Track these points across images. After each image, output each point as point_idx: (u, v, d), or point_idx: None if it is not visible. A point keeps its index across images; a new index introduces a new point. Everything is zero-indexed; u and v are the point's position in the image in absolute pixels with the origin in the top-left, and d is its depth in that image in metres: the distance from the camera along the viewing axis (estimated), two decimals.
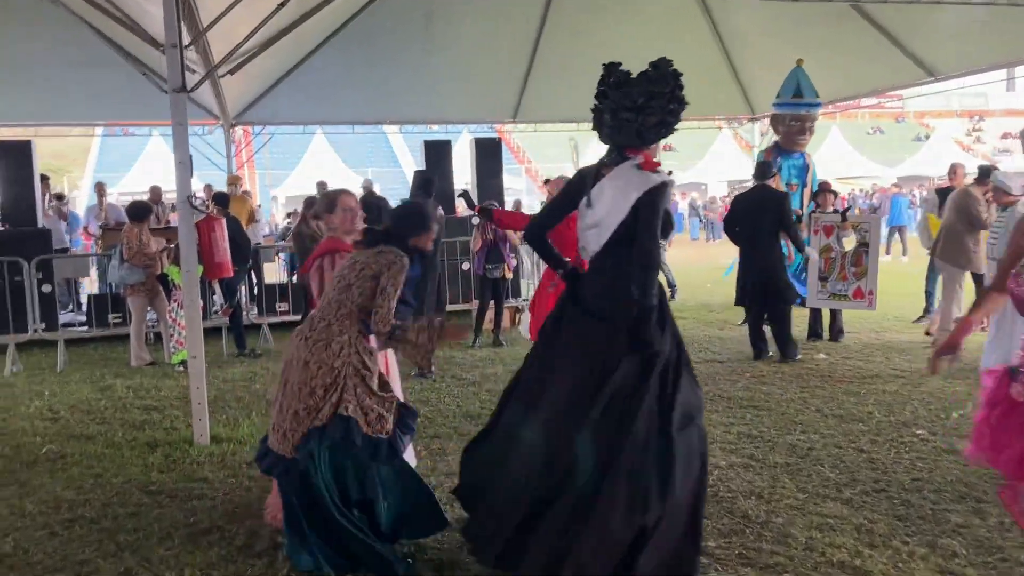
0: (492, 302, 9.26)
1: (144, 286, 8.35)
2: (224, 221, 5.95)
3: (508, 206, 13.93)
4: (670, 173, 3.56)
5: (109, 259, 8.49)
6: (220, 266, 6.07)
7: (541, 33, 12.92)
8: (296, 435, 3.49)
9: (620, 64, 3.45)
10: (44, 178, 10.51)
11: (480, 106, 14.63)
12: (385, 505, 3.53)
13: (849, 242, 8.04)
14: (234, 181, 12.39)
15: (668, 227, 3.50)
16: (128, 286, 8.34)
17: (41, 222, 9.84)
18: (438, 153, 11.57)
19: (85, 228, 12.05)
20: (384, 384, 3.60)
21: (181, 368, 8.16)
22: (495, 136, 12.49)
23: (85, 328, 9.66)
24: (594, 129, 3.55)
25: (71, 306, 11.00)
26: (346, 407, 3.43)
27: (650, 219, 3.29)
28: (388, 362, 4.13)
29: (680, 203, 31.93)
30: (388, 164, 40.14)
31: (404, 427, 3.56)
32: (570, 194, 3.62)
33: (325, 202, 4.22)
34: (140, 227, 8.39)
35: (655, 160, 3.46)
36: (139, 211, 8.49)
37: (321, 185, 13.35)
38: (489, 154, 11.83)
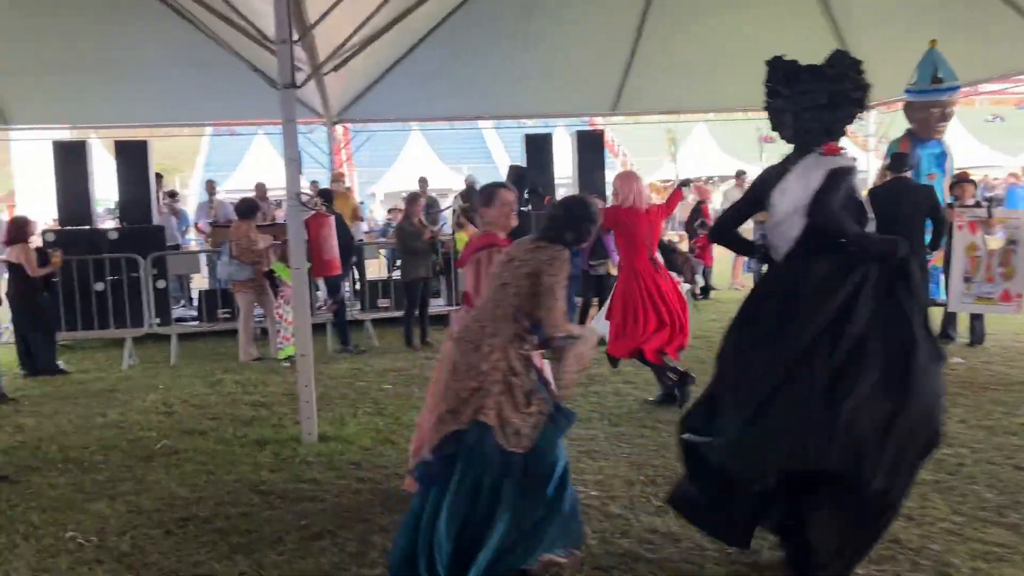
0: (596, 300, 9.00)
1: (252, 282, 8.45)
2: (333, 218, 5.88)
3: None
4: (854, 159, 3.37)
5: (219, 255, 8.64)
6: (329, 263, 5.98)
7: (644, 22, 12.54)
8: (435, 438, 3.33)
9: (784, 56, 3.29)
10: (158, 176, 10.84)
11: (577, 99, 14.34)
12: (499, 534, 3.19)
13: (995, 240, 7.38)
14: (338, 178, 12.52)
15: (863, 216, 3.31)
16: (236, 282, 8.46)
17: (156, 220, 10.14)
18: (538, 147, 11.37)
19: (196, 225, 12.40)
20: (532, 395, 3.34)
21: (287, 364, 8.23)
22: (595, 129, 12.18)
23: (196, 323, 9.91)
24: (773, 129, 3.46)
25: (182, 301, 11.34)
26: (486, 414, 3.24)
27: (823, 197, 3.18)
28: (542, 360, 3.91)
29: None
30: (483, 160, 40.28)
31: (556, 428, 3.34)
32: (754, 193, 3.54)
33: (483, 195, 4.12)
34: (248, 224, 8.50)
35: (837, 146, 3.36)
36: (247, 208, 8.60)
37: (422, 181, 13.36)
38: (590, 147, 11.56)
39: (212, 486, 4.71)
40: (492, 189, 4.09)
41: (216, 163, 36.72)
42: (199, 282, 12.14)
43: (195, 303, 11.13)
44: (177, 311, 10.45)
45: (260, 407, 6.55)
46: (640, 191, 6.08)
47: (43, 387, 7.61)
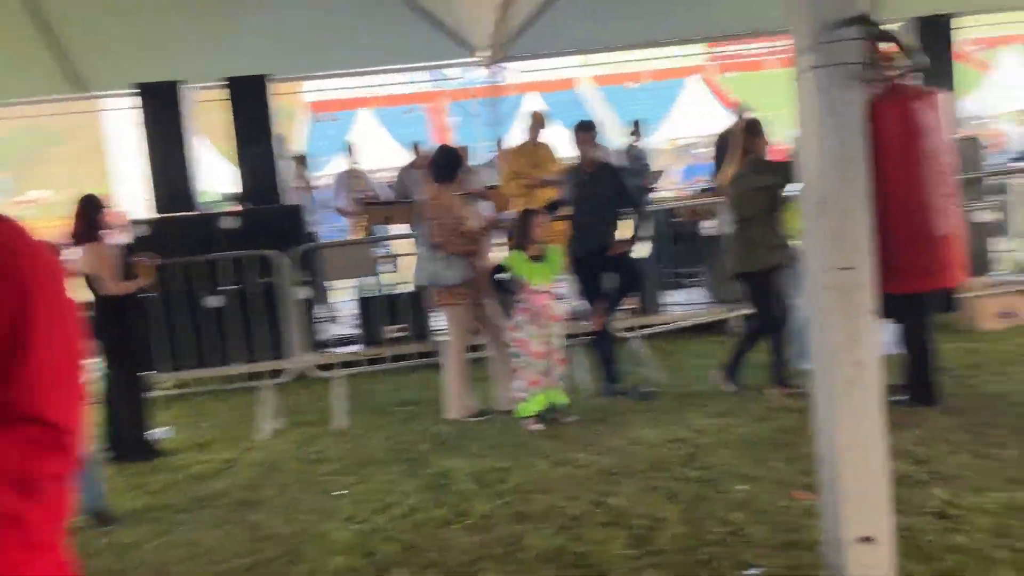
0: None
1: (467, 288, 4.95)
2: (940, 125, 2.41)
3: None
4: None
5: (419, 246, 5.15)
6: (937, 266, 2.15)
7: None
8: None
9: None
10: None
11: None
12: None
13: None
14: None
15: None
16: (443, 289, 4.98)
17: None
18: None
19: (337, 207, 8.70)
20: None
21: (535, 426, 4.73)
22: None
23: (359, 349, 6.50)
24: None
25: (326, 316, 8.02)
26: None
27: None
28: None
29: None
30: None
31: None
32: None
33: None
34: (450, 190, 5.01)
35: None
36: (446, 163, 5.08)
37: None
38: None
39: None
40: None
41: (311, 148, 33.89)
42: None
43: (342, 317, 7.83)
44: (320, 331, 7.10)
45: (578, 570, 2.99)
46: None
47: (133, 496, 4.29)
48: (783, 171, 4.58)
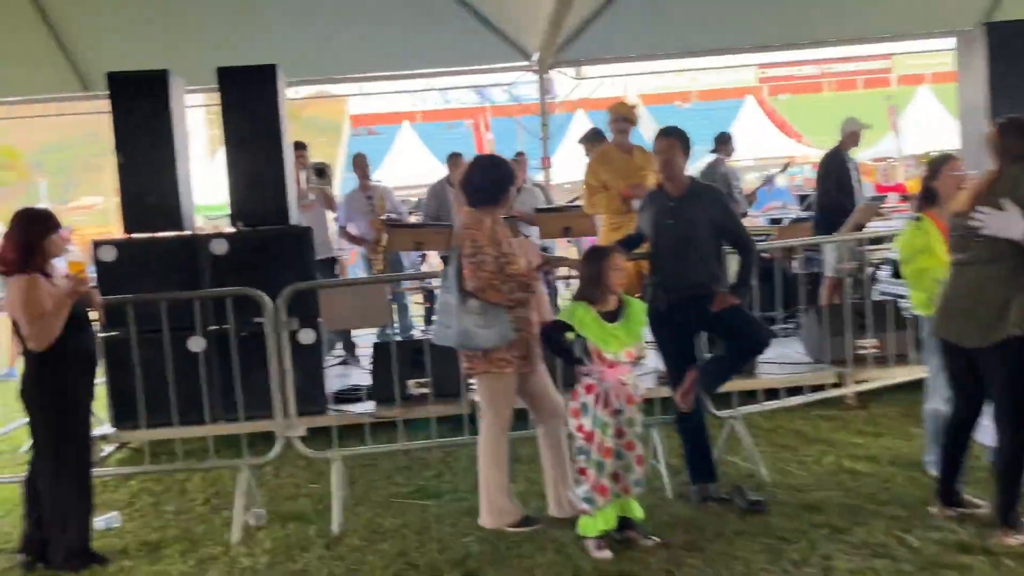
0: None
1: (511, 353, 3.60)
2: None
3: None
4: None
5: (444, 288, 3.79)
6: None
7: None
8: None
9: None
10: (298, 145, 6.24)
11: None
12: None
13: None
14: None
15: None
16: (477, 353, 3.62)
17: (295, 217, 5.49)
18: None
19: (344, 228, 7.28)
20: None
21: (601, 553, 3.35)
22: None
23: (369, 409, 5.16)
24: None
25: (337, 354, 6.76)
26: None
27: None
28: None
29: None
30: None
31: None
32: None
33: None
34: (492, 216, 3.68)
35: None
36: (487, 181, 3.74)
37: None
38: None
39: None
40: None
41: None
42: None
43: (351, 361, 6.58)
44: (332, 377, 5.82)
45: None
46: None
47: None
48: None
